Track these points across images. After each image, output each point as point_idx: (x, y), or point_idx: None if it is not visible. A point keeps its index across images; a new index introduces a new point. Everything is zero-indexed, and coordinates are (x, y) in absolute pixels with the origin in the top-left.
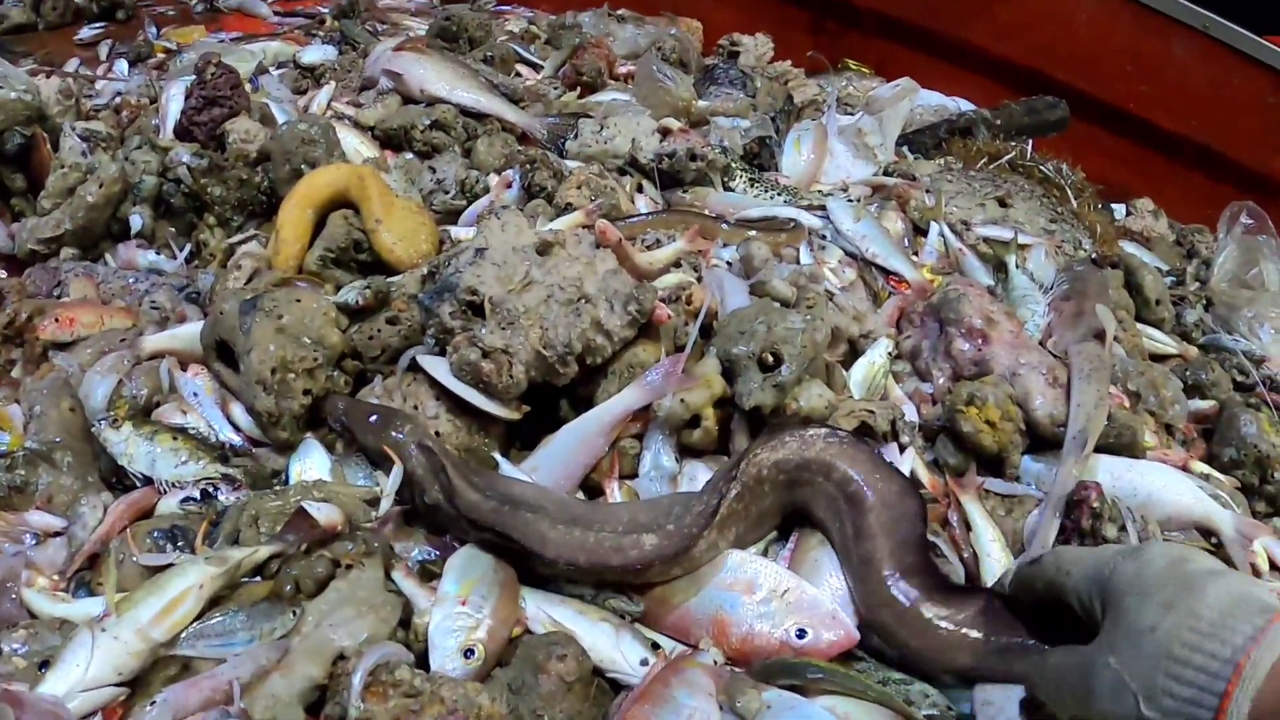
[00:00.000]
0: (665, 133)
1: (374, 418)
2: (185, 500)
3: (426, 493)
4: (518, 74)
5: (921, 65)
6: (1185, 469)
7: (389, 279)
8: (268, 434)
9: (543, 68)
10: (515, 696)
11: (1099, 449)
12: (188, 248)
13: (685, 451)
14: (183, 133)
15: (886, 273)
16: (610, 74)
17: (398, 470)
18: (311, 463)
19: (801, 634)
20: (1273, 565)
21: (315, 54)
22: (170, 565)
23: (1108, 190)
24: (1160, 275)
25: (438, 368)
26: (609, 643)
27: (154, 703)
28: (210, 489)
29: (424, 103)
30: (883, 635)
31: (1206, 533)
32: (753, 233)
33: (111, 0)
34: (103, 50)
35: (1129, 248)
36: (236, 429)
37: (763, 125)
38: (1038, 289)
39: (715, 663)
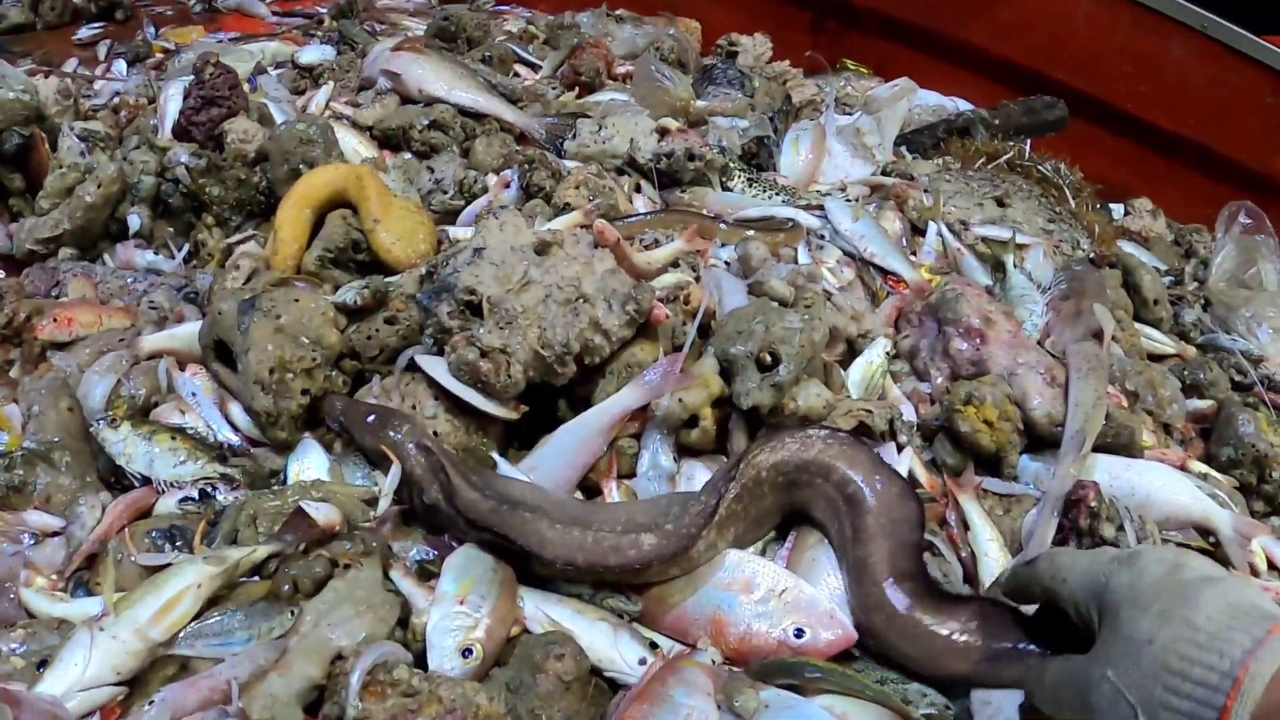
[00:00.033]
0: (663, 133)
1: (372, 418)
2: (183, 500)
3: (425, 492)
4: (516, 74)
5: (920, 65)
6: (1183, 468)
7: (387, 279)
8: (266, 434)
9: (541, 68)
10: (513, 696)
11: (1097, 448)
12: (186, 248)
13: (683, 451)
14: (181, 133)
15: (885, 272)
16: (608, 74)
17: (396, 470)
18: (310, 462)
19: (799, 633)
20: (1271, 565)
21: (313, 54)
22: (168, 565)
23: (1106, 190)
24: (1158, 275)
25: (436, 367)
26: (607, 642)
27: (152, 702)
28: (208, 489)
29: (422, 103)
30: (876, 639)
31: (1204, 532)
32: (751, 232)
33: (110, 0)
34: (101, 50)
35: (1127, 247)
36: (235, 429)
37: (761, 125)
38: (1036, 289)
39: (713, 662)
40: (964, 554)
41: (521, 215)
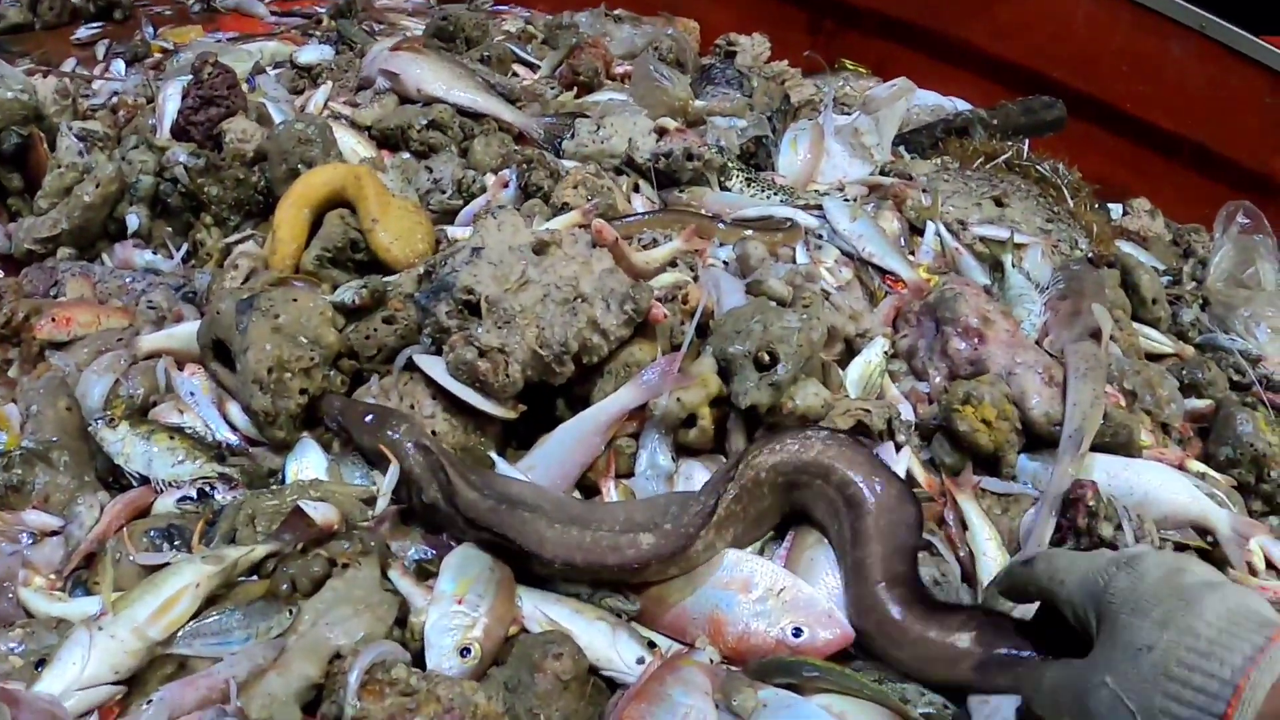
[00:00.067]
0: (662, 132)
1: (370, 417)
2: (182, 499)
3: (424, 491)
4: (514, 74)
5: (918, 65)
6: (1181, 468)
7: (385, 278)
8: (264, 433)
9: (539, 67)
10: (511, 695)
11: (1095, 448)
12: (184, 247)
13: (681, 450)
14: (179, 132)
15: (883, 272)
16: (607, 74)
17: (394, 469)
18: (308, 462)
19: (797, 632)
20: (1269, 564)
21: (312, 54)
22: (167, 564)
23: (1104, 190)
24: (1157, 274)
25: (434, 367)
26: (605, 641)
27: (150, 701)
28: (207, 488)
29: (421, 102)
30: (869, 642)
31: (1202, 531)
32: (749, 232)
33: (108, 0)
34: (100, 50)
35: (1125, 247)
36: (233, 428)
37: (759, 125)
38: (1034, 288)
39: (711, 661)
40: (962, 553)
41: (520, 215)
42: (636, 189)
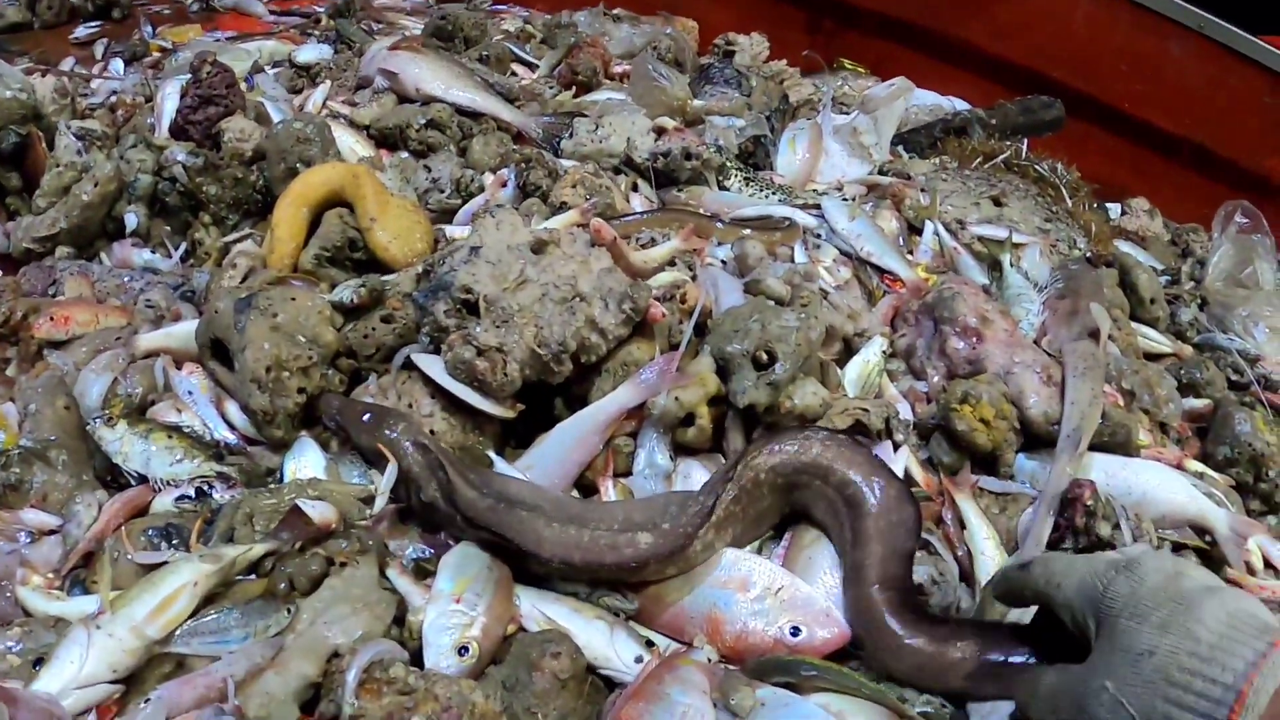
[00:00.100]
0: (660, 132)
1: (368, 416)
2: (180, 498)
3: (423, 490)
4: (513, 73)
5: (917, 64)
6: (1179, 467)
7: (384, 277)
8: (262, 432)
9: (538, 67)
10: (509, 694)
11: (1093, 447)
12: (183, 246)
13: (680, 449)
14: (178, 131)
15: (881, 271)
16: (606, 73)
17: (392, 468)
18: (306, 461)
19: (795, 632)
20: (1267, 563)
21: (311, 53)
22: (165, 563)
23: (1103, 189)
24: (1155, 274)
25: (432, 366)
26: (603, 640)
27: (148, 700)
28: (205, 487)
29: (419, 102)
30: (863, 645)
31: (1201, 531)
32: (747, 231)
33: None
34: (98, 49)
35: (1124, 246)
36: (231, 427)
37: (758, 124)
38: (1032, 288)
39: (709, 660)
40: (960, 552)
41: (518, 214)
42: (635, 188)
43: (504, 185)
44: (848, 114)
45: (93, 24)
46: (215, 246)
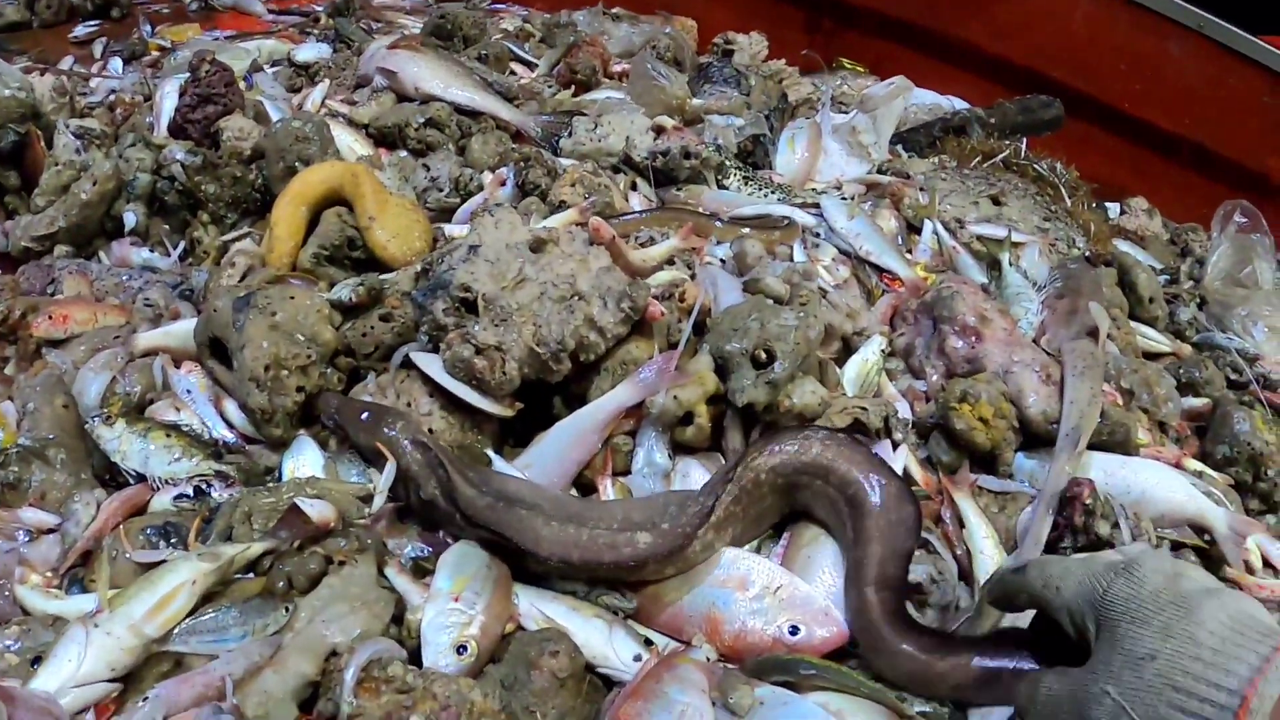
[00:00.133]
0: (659, 131)
1: (366, 415)
2: (178, 497)
3: (422, 488)
4: (512, 72)
5: (916, 64)
6: (1178, 466)
7: (382, 276)
8: (261, 431)
9: (537, 66)
10: (508, 693)
11: (1092, 446)
12: (181, 245)
13: (678, 448)
14: (177, 130)
15: (880, 270)
16: (605, 72)
17: (391, 466)
18: (305, 460)
19: (794, 631)
20: (1265, 562)
21: (310, 52)
22: (163, 562)
23: (1102, 189)
24: (1154, 273)
25: (431, 365)
26: (601, 639)
27: (146, 699)
28: (203, 486)
29: (418, 100)
30: (858, 644)
31: (1200, 530)
32: (746, 230)
33: None
34: (97, 48)
35: (1123, 246)
36: (230, 426)
37: (757, 123)
38: (1031, 287)
39: (708, 659)
40: (959, 551)
41: (517, 213)
42: (634, 187)
43: (503, 184)
44: (847, 113)
45: (92, 23)
46: (214, 245)
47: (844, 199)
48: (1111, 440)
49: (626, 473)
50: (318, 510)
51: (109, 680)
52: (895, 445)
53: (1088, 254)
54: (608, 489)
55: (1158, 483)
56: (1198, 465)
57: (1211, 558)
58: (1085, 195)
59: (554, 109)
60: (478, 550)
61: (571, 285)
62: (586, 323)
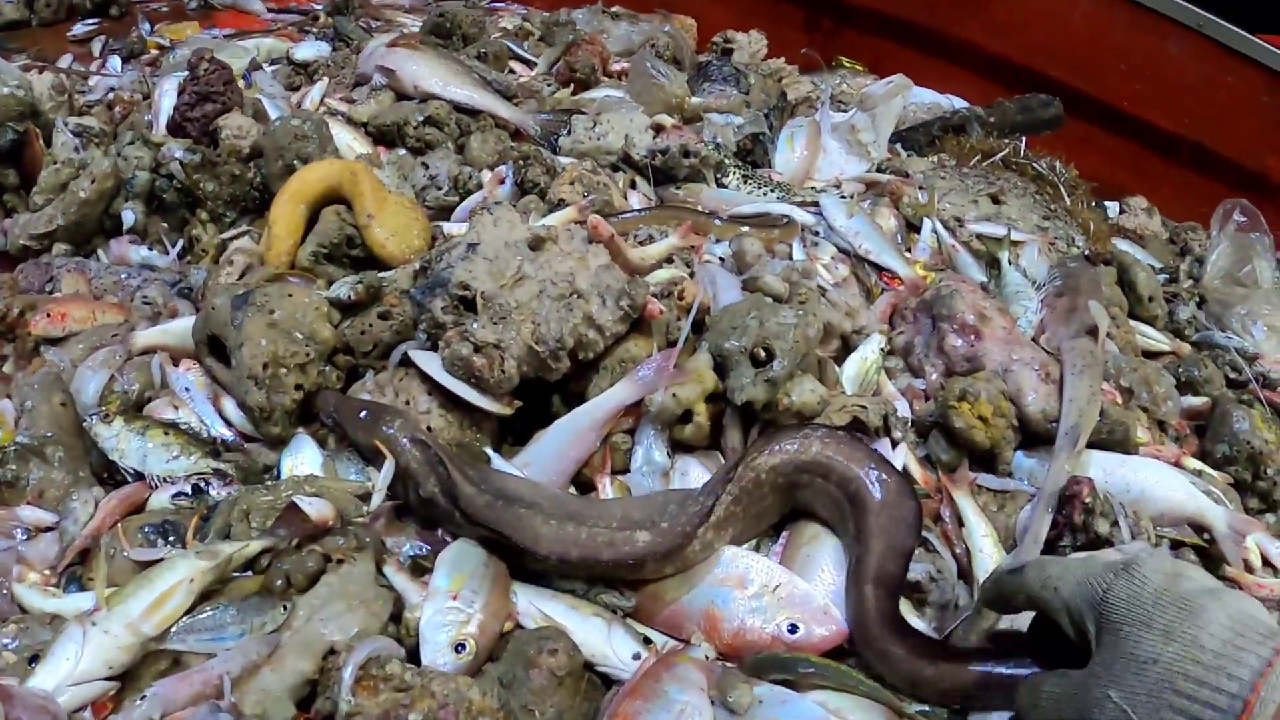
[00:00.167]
0: (658, 129)
1: (365, 413)
2: (177, 495)
3: (421, 486)
4: (511, 71)
5: (915, 63)
6: (1178, 465)
7: (381, 274)
8: (259, 429)
9: (536, 64)
10: (506, 691)
11: (1091, 445)
12: (180, 243)
13: (677, 447)
14: (175, 128)
15: (879, 269)
16: (604, 71)
17: (389, 464)
18: (303, 458)
19: (793, 629)
20: (1265, 561)
21: (309, 50)
22: (161, 560)
23: (1102, 188)
24: (1153, 272)
25: (430, 363)
26: (600, 637)
27: (144, 697)
28: (201, 484)
29: (417, 99)
30: (854, 640)
31: (1199, 529)
32: (745, 229)
33: None
34: (96, 46)
35: (1122, 245)
36: (228, 424)
37: (756, 122)
38: (1030, 285)
39: (707, 658)
40: (958, 550)
41: (516, 211)
42: (633, 185)
43: (502, 182)
44: (846, 112)
45: (91, 21)
46: (212, 243)
47: (843, 197)
48: (1111, 439)
49: (625, 471)
50: (316, 508)
51: (106, 678)
52: (894, 444)
53: (1087, 253)
54: (606, 487)
55: (1157, 481)
56: (1197, 464)
57: (1211, 556)
58: (1084, 194)
59: (553, 107)
60: (476, 548)
61: (570, 283)
62: (585, 321)
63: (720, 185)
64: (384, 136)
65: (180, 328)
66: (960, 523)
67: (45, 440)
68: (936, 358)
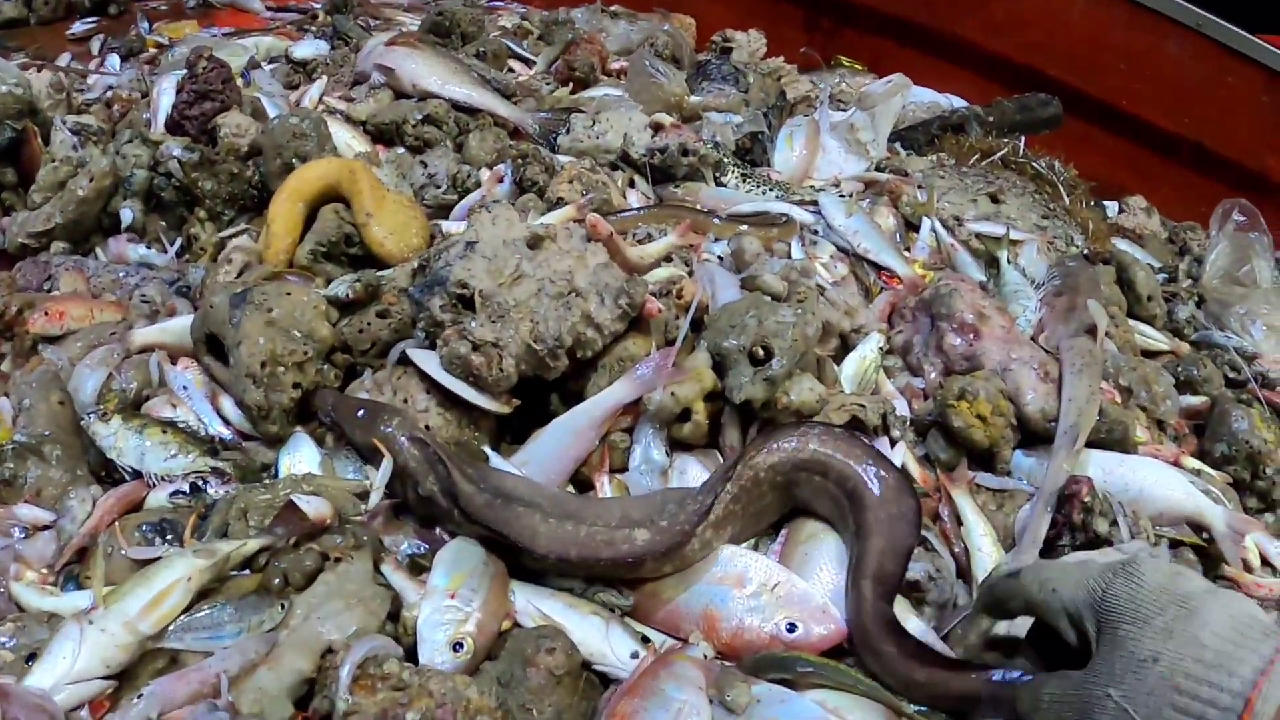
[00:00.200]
0: (657, 128)
1: (363, 412)
2: (174, 494)
3: (420, 484)
4: (510, 69)
5: (914, 62)
6: (1177, 464)
7: (379, 273)
8: (257, 427)
9: (535, 63)
10: (504, 690)
11: (1090, 444)
12: (178, 242)
13: (676, 445)
14: (174, 127)
15: (878, 268)
16: (603, 69)
17: (387, 463)
18: (301, 456)
19: (791, 628)
20: (1264, 560)
21: (307, 49)
22: (159, 558)
23: (1101, 187)
24: (1152, 271)
25: (428, 361)
26: (598, 636)
27: (141, 695)
28: (199, 482)
29: (416, 97)
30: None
31: (1198, 528)
32: (744, 227)
33: None
34: (95, 45)
35: (1121, 244)
36: (226, 422)
37: (755, 121)
38: (1029, 284)
39: (705, 656)
40: (957, 549)
41: (514, 209)
42: (632, 184)
43: (500, 181)
44: (845, 111)
45: (89, 20)
46: (211, 242)
47: (842, 196)
48: (1110, 438)
49: (624, 470)
50: (314, 507)
51: (104, 677)
52: (893, 443)
53: (1086, 252)
54: (605, 486)
55: (1156, 481)
56: (1196, 463)
57: (1210, 556)
58: (1084, 193)
59: (552, 106)
60: (474, 547)
61: (569, 282)
62: (584, 319)
63: (719, 184)
64: (382, 135)
65: (178, 326)
66: (959, 522)
67: (43, 438)
68: (935, 356)
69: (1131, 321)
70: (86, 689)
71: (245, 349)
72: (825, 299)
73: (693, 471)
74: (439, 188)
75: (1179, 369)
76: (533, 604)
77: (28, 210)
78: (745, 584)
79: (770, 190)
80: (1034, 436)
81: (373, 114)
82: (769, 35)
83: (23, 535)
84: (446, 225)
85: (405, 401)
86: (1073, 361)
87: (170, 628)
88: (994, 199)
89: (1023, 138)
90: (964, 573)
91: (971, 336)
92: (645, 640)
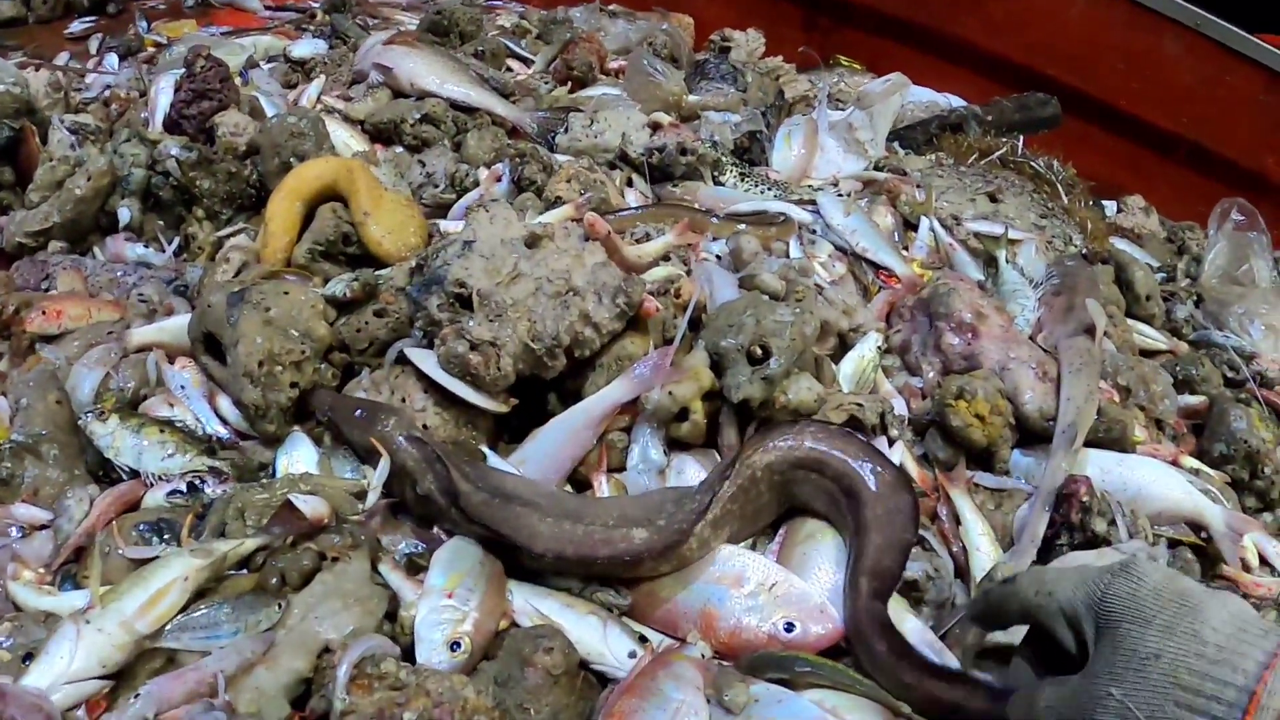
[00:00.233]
0: (655, 127)
1: (360, 411)
2: (172, 493)
3: (419, 483)
4: (508, 69)
5: (913, 61)
6: (1175, 464)
7: (377, 272)
8: (255, 427)
9: (533, 62)
10: (501, 689)
11: (1089, 443)
12: (176, 241)
13: (674, 445)
14: (172, 126)
15: (877, 267)
16: (601, 69)
17: (385, 462)
18: (298, 455)
19: (789, 628)
20: (1262, 560)
21: (306, 48)
22: (156, 558)
23: (1099, 187)
24: (1151, 271)
25: (425, 360)
26: (596, 636)
27: (138, 695)
28: (197, 482)
29: (414, 97)
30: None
31: (1196, 527)
32: (742, 226)
33: None
34: (93, 44)
35: (1120, 244)
36: (223, 422)
37: (753, 120)
38: (1028, 284)
39: (703, 656)
40: (955, 548)
41: (512, 209)
42: (630, 183)
43: (498, 180)
44: (843, 110)
45: (87, 19)
46: (208, 241)
47: (840, 195)
48: (1108, 437)
49: (621, 469)
50: (311, 506)
51: (100, 677)
52: (891, 442)
53: (1084, 251)
54: (603, 485)
55: (1154, 480)
56: (1194, 463)
57: (1208, 555)
58: (1082, 193)
59: (550, 105)
60: (472, 546)
61: (566, 281)
62: (581, 318)
63: (717, 183)
64: (381, 134)
65: (176, 325)
66: (957, 521)
67: (40, 438)
68: (934, 356)
69: (1130, 321)
70: (83, 689)
71: (243, 348)
72: (823, 298)
73: (690, 471)
74: (437, 187)
75: (1177, 368)
76: (530, 603)
77: (25, 209)
78: (743, 583)
79: (768, 189)
80: (1032, 436)
81: (371, 113)
82: (767, 34)
83: (20, 535)
84: (444, 224)
85: (403, 401)
86: (1071, 361)
87: (167, 627)
88: (992, 198)
89: (1021, 137)
90: (962, 572)
91: (970, 336)
92: (643, 640)
